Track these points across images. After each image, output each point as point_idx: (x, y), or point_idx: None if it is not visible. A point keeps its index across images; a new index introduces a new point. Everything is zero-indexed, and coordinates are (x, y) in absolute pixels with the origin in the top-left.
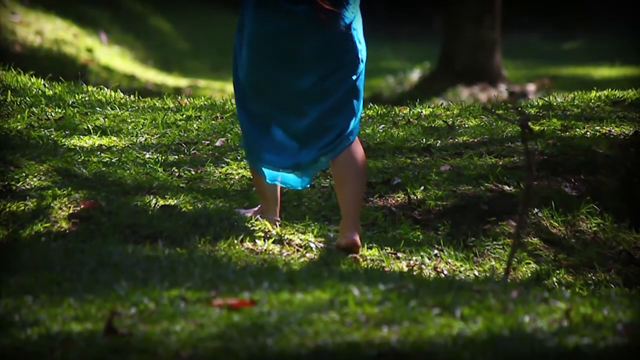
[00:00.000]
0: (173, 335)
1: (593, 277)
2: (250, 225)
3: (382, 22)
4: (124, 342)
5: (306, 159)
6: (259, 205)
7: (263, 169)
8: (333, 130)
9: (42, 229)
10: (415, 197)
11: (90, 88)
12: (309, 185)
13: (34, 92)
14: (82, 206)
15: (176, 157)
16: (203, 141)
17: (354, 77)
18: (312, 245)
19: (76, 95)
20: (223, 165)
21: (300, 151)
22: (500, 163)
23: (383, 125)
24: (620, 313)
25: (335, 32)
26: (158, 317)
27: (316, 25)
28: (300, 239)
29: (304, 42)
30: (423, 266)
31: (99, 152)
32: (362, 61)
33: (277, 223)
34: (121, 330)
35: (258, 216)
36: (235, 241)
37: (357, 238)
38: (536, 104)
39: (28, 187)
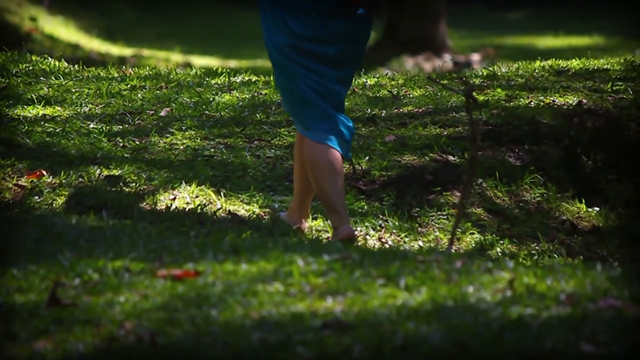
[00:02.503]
0: (117, 306)
1: (536, 247)
2: (194, 196)
3: None
4: (68, 313)
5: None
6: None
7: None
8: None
9: None
10: (360, 168)
11: (34, 57)
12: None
13: None
14: (26, 176)
15: (120, 127)
16: (147, 111)
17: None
18: (256, 215)
19: (20, 64)
20: (167, 135)
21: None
22: (445, 133)
23: None
24: (563, 283)
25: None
26: (102, 288)
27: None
28: (245, 210)
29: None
30: (367, 237)
31: (42, 122)
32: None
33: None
34: (65, 301)
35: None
36: (180, 211)
37: (351, 230)
38: (480, 73)
39: None
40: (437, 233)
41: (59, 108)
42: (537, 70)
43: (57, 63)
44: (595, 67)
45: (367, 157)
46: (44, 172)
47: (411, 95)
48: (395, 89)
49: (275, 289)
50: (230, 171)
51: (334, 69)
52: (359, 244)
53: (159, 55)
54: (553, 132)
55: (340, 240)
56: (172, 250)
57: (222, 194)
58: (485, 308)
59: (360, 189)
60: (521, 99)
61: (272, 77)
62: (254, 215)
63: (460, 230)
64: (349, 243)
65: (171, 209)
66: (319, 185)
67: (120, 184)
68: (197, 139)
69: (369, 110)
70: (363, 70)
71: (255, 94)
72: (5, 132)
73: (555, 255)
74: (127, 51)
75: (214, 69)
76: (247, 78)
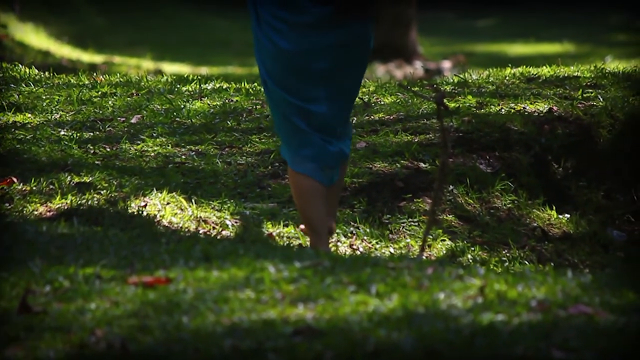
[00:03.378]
0: (88, 313)
1: (507, 254)
2: (166, 203)
3: None
4: (39, 320)
5: (336, 149)
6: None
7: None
8: (344, 131)
9: None
10: None
11: (4, 64)
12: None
13: None
14: None
15: (91, 134)
16: (118, 118)
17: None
18: (228, 222)
19: None
20: (138, 142)
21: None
22: (416, 140)
23: None
24: (534, 289)
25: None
26: (73, 295)
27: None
28: (217, 217)
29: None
30: (339, 243)
31: (13, 129)
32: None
33: None
34: (35, 308)
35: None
36: (151, 218)
37: (334, 224)
38: (451, 80)
39: None
40: (408, 240)
41: (29, 115)
42: (507, 78)
43: (27, 70)
44: (566, 75)
45: None
46: (15, 179)
47: (382, 102)
48: (367, 96)
49: (246, 296)
50: (201, 178)
51: (327, 84)
52: (330, 250)
53: (130, 62)
54: (524, 139)
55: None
56: (143, 257)
57: (193, 200)
58: (456, 314)
59: None
60: (492, 106)
61: (244, 84)
62: (226, 222)
63: (431, 237)
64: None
65: (142, 216)
66: (299, 207)
67: (91, 191)
68: (168, 146)
69: None
70: None
71: (227, 101)
72: None
73: (526, 262)
74: (97, 58)
75: (185, 76)
76: (218, 85)
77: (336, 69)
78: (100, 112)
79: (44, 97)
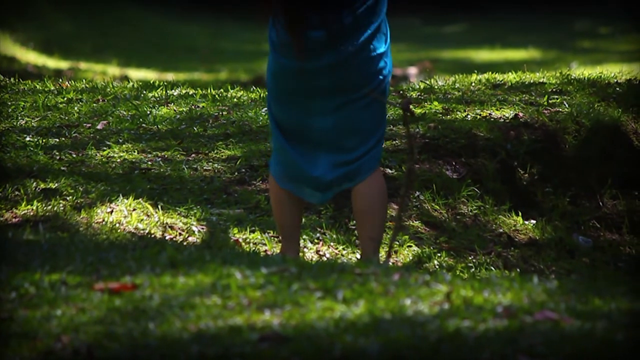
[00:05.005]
0: (54, 320)
1: (474, 260)
2: (132, 209)
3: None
4: (4, 327)
5: (328, 177)
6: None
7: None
8: (352, 152)
9: None
10: None
11: None
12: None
13: None
14: None
15: (57, 140)
16: (84, 124)
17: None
18: (194, 229)
19: None
20: (104, 148)
21: (320, 166)
22: (383, 146)
23: (265, 109)
24: (500, 295)
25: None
26: (39, 301)
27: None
28: (183, 223)
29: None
30: (305, 249)
31: None
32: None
33: None
34: (1, 314)
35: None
36: (117, 225)
37: (371, 250)
38: (418, 87)
39: None
40: None
41: None
42: (473, 84)
43: None
44: (532, 81)
45: None
46: None
47: None
48: None
49: (213, 302)
50: (167, 184)
51: (330, 98)
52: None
53: (96, 68)
54: (490, 145)
55: None
56: (109, 263)
57: (159, 207)
58: (422, 320)
59: None
60: (458, 112)
61: (210, 90)
62: (192, 229)
63: (397, 243)
64: None
65: (108, 222)
66: (273, 211)
67: (57, 197)
68: (134, 152)
69: None
70: None
71: (193, 107)
72: None
73: (492, 268)
74: (63, 64)
75: (151, 81)
76: (184, 91)
77: (338, 83)
78: (66, 118)
79: (10, 103)
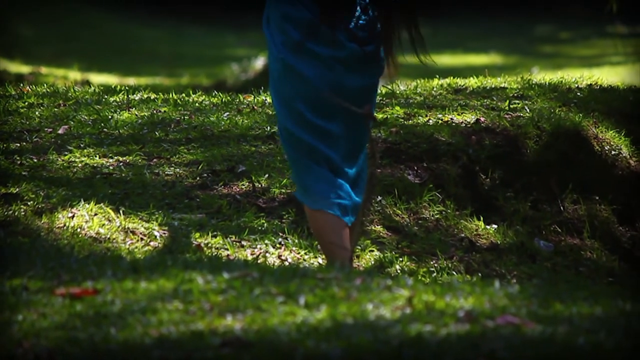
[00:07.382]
0: (15, 325)
1: (435, 265)
2: (93, 214)
3: (227, 9)
4: None
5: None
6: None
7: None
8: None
9: None
10: (259, 185)
11: None
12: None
13: None
14: None
15: (18, 144)
16: (45, 129)
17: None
18: (156, 233)
19: None
20: (66, 153)
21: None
22: None
23: (227, 113)
24: (461, 300)
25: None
26: None
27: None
28: (145, 227)
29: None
30: (267, 254)
31: None
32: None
33: None
34: None
35: None
36: (79, 230)
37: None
38: (379, 92)
39: None
40: None
41: None
42: (435, 89)
43: None
44: (493, 86)
45: (266, 175)
46: None
47: None
48: None
49: (174, 307)
50: (129, 189)
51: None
52: (259, 261)
53: (57, 73)
54: (451, 149)
55: None
56: (70, 268)
57: (121, 211)
58: (384, 325)
59: (260, 207)
60: (420, 117)
61: (172, 95)
62: (154, 234)
63: (359, 247)
64: None
65: (70, 227)
66: (324, 249)
67: (18, 202)
68: (96, 156)
69: (269, 127)
70: (262, 87)
71: (155, 111)
72: None
73: (454, 273)
74: (24, 69)
75: (113, 86)
76: (146, 96)
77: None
78: (27, 122)
79: None
